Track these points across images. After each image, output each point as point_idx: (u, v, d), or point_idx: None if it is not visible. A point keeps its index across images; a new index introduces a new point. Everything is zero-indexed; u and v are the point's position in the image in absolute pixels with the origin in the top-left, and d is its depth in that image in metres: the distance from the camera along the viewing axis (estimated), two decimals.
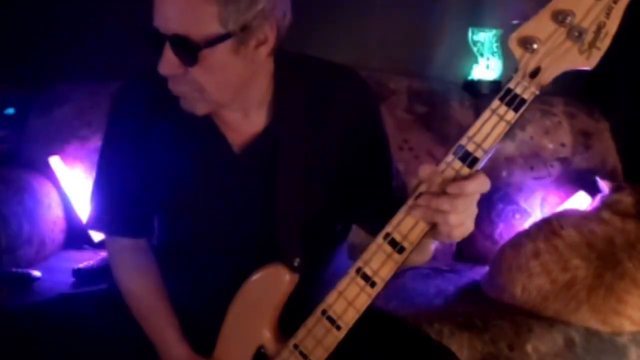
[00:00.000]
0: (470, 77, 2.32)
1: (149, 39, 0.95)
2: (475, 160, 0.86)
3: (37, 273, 1.79)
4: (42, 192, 2.06)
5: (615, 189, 1.80)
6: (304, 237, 1.06)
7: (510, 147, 2.19)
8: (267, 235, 1.06)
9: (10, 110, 2.27)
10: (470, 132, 0.86)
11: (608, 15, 0.81)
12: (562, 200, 2.09)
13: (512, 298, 1.67)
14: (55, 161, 2.13)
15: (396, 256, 0.90)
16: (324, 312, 0.95)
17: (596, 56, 0.82)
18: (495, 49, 2.27)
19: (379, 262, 0.91)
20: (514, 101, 0.85)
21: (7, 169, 2.08)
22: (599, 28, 0.81)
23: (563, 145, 2.20)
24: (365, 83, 1.15)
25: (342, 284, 0.94)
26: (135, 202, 1.15)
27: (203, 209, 1.12)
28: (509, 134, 0.86)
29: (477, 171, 0.86)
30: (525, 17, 0.85)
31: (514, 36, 0.85)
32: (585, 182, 2.05)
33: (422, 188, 0.88)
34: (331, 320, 0.95)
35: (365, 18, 2.39)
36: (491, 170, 2.10)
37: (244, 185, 1.10)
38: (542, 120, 2.22)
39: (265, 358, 1.03)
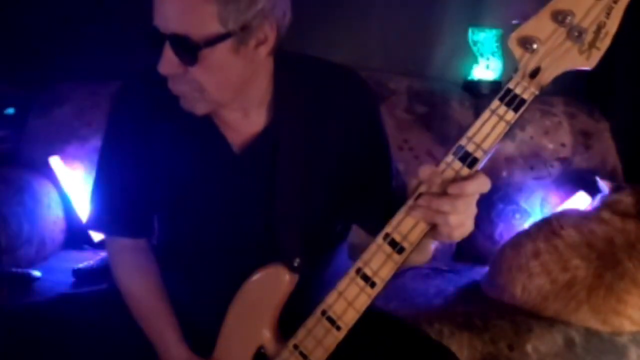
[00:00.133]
0: (470, 77, 2.32)
1: (149, 39, 0.95)
2: (475, 160, 0.86)
3: (37, 273, 1.79)
4: (42, 192, 2.05)
5: (615, 189, 1.80)
6: (304, 237, 1.06)
7: (510, 147, 2.19)
8: (267, 235, 1.06)
9: (10, 110, 2.27)
10: (470, 133, 0.86)
11: (608, 15, 0.81)
12: (562, 200, 2.09)
13: (512, 298, 1.67)
14: (55, 161, 2.13)
15: (396, 256, 0.90)
16: (323, 313, 0.95)
17: (596, 56, 0.82)
18: (495, 49, 2.26)
19: (379, 262, 0.91)
20: (513, 101, 0.85)
21: (7, 169, 2.08)
22: (599, 28, 0.81)
23: (563, 145, 2.20)
24: (365, 83, 1.15)
25: (342, 285, 0.94)
26: (135, 202, 1.14)
27: (203, 209, 1.12)
28: (508, 134, 0.86)
29: (477, 171, 0.86)
30: (525, 17, 0.85)
31: (514, 36, 0.85)
32: (585, 182, 2.05)
33: (422, 188, 0.88)
34: (331, 321, 0.95)
35: (365, 18, 2.38)
36: (491, 170, 2.10)
37: (244, 185, 1.10)
38: (542, 120, 2.22)
39: (265, 358, 1.03)
